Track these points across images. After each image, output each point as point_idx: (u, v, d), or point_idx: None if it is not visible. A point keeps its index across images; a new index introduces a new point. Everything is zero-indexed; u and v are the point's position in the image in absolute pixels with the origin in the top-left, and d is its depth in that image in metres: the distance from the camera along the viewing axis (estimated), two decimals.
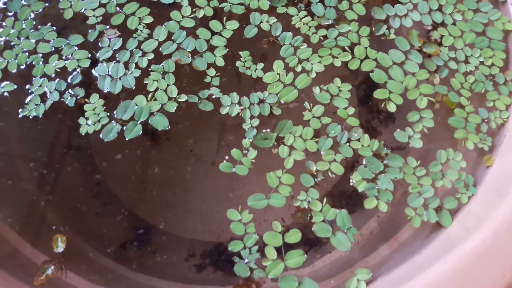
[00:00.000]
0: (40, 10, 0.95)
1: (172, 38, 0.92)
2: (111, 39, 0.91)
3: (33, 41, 0.92)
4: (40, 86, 0.88)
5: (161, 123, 0.85)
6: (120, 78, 0.88)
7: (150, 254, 0.79)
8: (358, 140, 0.85)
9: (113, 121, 0.85)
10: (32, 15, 0.94)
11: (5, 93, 0.87)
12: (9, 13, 0.94)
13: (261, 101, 0.88)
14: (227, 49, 0.92)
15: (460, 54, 0.95)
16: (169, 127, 0.85)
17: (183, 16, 0.95)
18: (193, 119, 0.87)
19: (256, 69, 0.90)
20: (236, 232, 0.78)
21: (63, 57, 0.90)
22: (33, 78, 0.88)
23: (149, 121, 0.85)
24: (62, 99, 0.86)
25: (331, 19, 0.96)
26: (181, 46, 0.92)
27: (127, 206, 0.82)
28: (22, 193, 0.82)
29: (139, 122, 0.85)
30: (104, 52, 0.90)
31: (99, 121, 0.85)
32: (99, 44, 0.91)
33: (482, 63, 0.95)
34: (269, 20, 0.95)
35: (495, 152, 0.89)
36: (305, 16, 0.96)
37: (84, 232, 0.80)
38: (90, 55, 0.91)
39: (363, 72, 0.92)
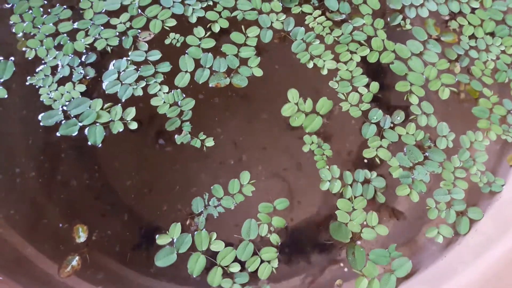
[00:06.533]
0: (40, 8, 0.91)
1: (201, 63, 0.88)
2: (151, 50, 0.89)
3: (51, 24, 0.89)
4: (54, 58, 0.86)
5: (95, 137, 0.81)
6: (122, 83, 0.85)
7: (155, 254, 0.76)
8: (402, 123, 0.85)
9: (60, 110, 0.82)
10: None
11: None
12: (6, 5, 0.91)
13: (366, 181, 0.82)
14: (259, 57, 0.89)
15: (481, 43, 0.94)
16: (100, 145, 0.81)
17: (200, 38, 0.91)
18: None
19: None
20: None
21: (89, 35, 0.89)
22: (48, 50, 0.87)
23: (85, 130, 0.81)
24: (73, 75, 0.85)
25: (345, 13, 0.95)
26: (213, 69, 0.88)
27: (131, 207, 0.79)
28: (25, 193, 0.79)
29: (80, 123, 0.81)
30: (137, 54, 0.88)
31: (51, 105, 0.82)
32: (138, 47, 0.89)
33: (503, 52, 0.93)
34: (279, 17, 0.93)
35: None
36: (319, 15, 0.94)
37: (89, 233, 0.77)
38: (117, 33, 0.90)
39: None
